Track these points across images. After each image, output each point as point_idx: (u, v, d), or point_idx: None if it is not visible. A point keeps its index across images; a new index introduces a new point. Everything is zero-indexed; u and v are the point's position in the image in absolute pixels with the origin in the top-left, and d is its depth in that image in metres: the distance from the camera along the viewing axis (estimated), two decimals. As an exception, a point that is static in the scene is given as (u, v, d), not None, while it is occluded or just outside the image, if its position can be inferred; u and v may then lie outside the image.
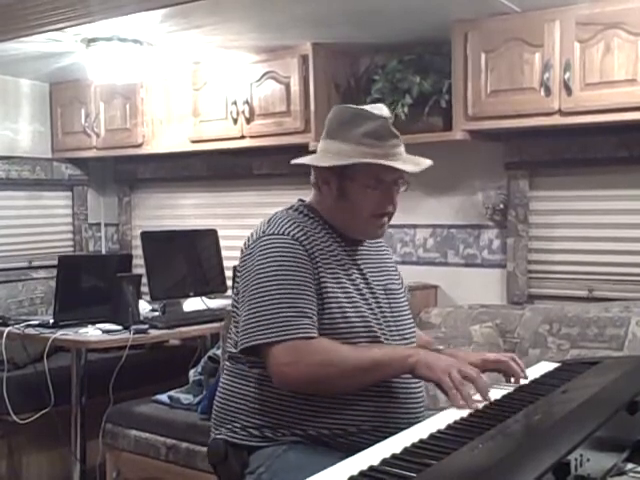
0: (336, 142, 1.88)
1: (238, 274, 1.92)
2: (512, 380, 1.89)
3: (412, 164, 1.89)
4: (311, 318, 1.78)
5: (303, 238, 1.85)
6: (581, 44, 3.00)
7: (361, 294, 1.89)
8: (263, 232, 1.88)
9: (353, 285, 1.89)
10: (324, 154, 1.91)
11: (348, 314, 1.84)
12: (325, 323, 1.81)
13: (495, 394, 1.74)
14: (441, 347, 2.05)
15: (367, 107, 1.92)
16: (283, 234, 1.85)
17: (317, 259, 1.85)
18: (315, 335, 1.77)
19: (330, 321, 1.82)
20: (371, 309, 1.89)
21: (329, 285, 1.84)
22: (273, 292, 1.78)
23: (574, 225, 3.48)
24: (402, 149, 1.90)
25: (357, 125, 1.86)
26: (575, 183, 3.47)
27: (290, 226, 1.87)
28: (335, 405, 1.81)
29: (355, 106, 1.94)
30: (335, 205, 1.92)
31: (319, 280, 1.83)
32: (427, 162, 1.93)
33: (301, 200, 2.01)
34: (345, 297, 1.85)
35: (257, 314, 1.77)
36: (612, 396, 1.63)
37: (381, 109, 1.91)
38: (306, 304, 1.78)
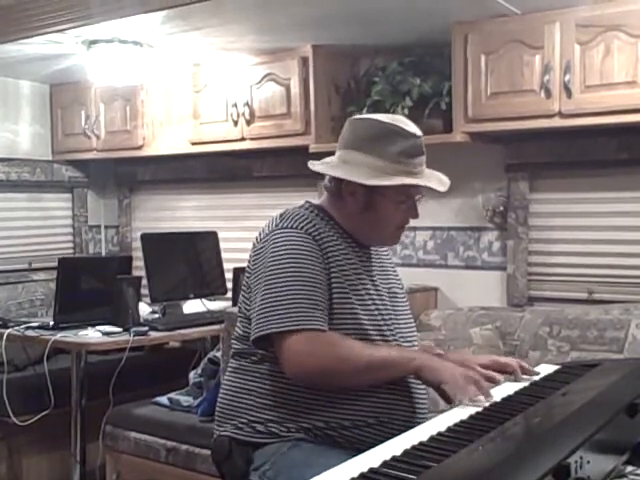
0: (368, 156, 1.88)
1: (249, 269, 1.93)
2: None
3: (437, 180, 1.94)
4: (323, 311, 1.81)
5: (315, 234, 1.87)
6: (581, 46, 3.00)
7: (370, 295, 1.92)
8: (276, 226, 1.90)
9: (362, 285, 1.91)
10: (355, 167, 1.89)
11: (358, 314, 1.87)
12: (334, 320, 1.83)
13: (495, 397, 1.74)
14: (441, 351, 2.06)
15: (396, 122, 1.91)
16: (296, 228, 1.87)
17: (328, 256, 1.87)
18: (326, 328, 1.80)
19: (340, 318, 1.84)
20: (379, 310, 1.92)
21: (340, 283, 1.86)
22: (288, 283, 1.79)
23: (574, 227, 3.48)
24: (425, 164, 1.93)
25: (392, 142, 1.87)
26: (575, 185, 3.47)
27: (303, 222, 1.89)
28: (343, 398, 1.83)
29: (386, 120, 1.92)
30: (358, 215, 1.93)
31: (330, 276, 1.85)
32: (447, 180, 1.97)
33: (309, 202, 2.01)
34: (355, 297, 1.88)
35: (272, 303, 1.79)
36: (612, 399, 1.63)
37: (410, 125, 1.91)
38: (319, 296, 1.80)
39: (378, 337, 1.88)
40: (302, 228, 1.87)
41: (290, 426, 1.83)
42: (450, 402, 1.71)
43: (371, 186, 1.87)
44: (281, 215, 1.94)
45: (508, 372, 1.95)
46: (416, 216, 1.96)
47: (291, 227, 1.87)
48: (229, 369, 1.99)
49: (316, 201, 2.02)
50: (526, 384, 1.89)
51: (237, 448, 1.88)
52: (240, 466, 1.87)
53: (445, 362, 1.84)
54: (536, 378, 1.96)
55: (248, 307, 1.90)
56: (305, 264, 1.82)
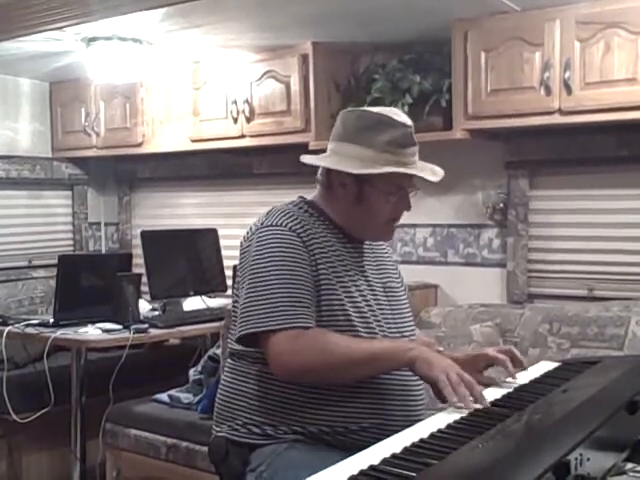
0: (357, 147, 1.87)
1: (238, 267, 1.92)
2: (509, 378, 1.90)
3: (429, 172, 1.91)
4: (309, 308, 1.79)
5: (301, 231, 1.86)
6: (581, 43, 3.00)
7: (360, 291, 1.90)
8: (261, 224, 1.89)
9: (352, 282, 1.89)
10: (344, 158, 1.88)
11: (347, 310, 1.84)
12: (323, 317, 1.82)
13: (495, 394, 1.74)
14: (441, 348, 2.04)
15: (386, 112, 1.90)
16: (280, 225, 1.85)
17: (315, 252, 1.85)
18: (312, 325, 1.78)
19: (328, 315, 1.83)
20: (370, 306, 1.90)
21: (327, 280, 1.84)
22: (270, 281, 1.78)
23: (574, 224, 3.48)
24: (417, 156, 1.91)
25: (381, 132, 1.85)
26: (575, 182, 3.47)
27: (288, 219, 1.87)
28: (336, 402, 1.81)
29: (375, 110, 1.92)
30: (349, 207, 1.92)
31: (317, 273, 1.83)
32: (440, 170, 1.94)
33: (302, 197, 2.00)
34: (344, 293, 1.86)
35: (255, 303, 1.78)
36: (612, 396, 1.63)
37: (400, 115, 1.90)
38: (303, 293, 1.79)
39: (366, 332, 1.85)
40: (286, 225, 1.85)
41: (285, 429, 1.83)
42: (444, 401, 1.69)
43: (361, 177, 1.86)
44: (268, 213, 1.93)
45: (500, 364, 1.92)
46: (408, 208, 1.93)
47: (275, 225, 1.86)
48: (226, 369, 1.98)
49: (309, 196, 2.00)
50: (525, 382, 1.89)
51: (233, 449, 1.88)
52: (237, 467, 1.87)
53: (443, 357, 1.80)
54: (527, 373, 1.94)
55: (237, 306, 1.89)
56: (287, 262, 1.80)
